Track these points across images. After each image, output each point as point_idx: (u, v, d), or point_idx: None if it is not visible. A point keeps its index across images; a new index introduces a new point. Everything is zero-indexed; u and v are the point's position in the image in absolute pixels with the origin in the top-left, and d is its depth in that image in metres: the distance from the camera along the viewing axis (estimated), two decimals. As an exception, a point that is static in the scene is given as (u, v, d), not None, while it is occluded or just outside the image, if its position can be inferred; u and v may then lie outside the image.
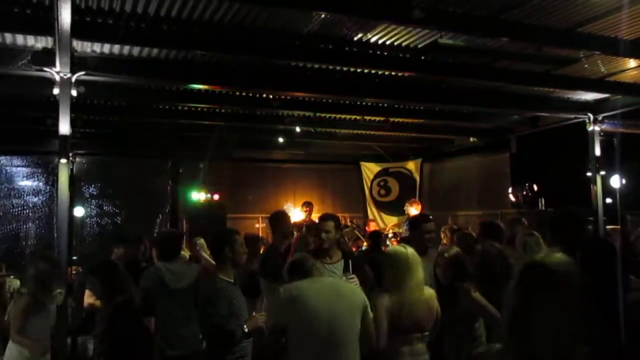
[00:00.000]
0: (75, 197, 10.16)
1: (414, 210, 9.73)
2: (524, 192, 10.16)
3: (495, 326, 3.83)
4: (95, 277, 4.30)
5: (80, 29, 5.20)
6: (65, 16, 4.54)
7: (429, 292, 3.86)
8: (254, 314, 4.13)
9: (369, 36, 6.06)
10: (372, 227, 11.13)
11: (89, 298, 5.70)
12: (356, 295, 3.61)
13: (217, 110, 9.22)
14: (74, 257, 8.95)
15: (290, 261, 3.99)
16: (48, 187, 11.36)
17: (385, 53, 6.50)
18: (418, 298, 3.70)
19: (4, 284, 6.60)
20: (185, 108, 9.11)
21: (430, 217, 5.41)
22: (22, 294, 4.54)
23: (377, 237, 8.01)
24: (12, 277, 7.87)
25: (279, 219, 5.69)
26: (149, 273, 5.07)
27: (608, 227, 8.74)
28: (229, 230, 4.83)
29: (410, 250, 3.85)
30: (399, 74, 7.37)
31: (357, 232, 10.46)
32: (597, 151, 8.97)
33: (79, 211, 11.05)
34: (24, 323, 4.36)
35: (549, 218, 3.94)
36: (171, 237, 5.51)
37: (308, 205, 11.37)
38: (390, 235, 10.34)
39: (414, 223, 5.25)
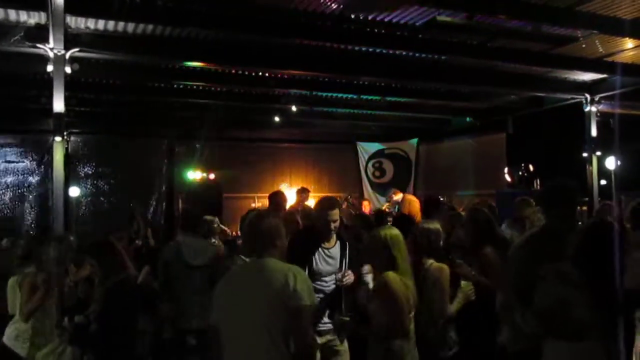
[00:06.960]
0: (70, 176, 10.12)
1: (396, 198, 9.60)
2: (520, 173, 10.17)
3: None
4: (92, 258, 4.30)
5: (74, 4, 5.14)
6: (58, -10, 4.48)
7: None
8: None
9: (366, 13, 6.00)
10: (366, 206, 11.09)
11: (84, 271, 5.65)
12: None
13: (213, 88, 9.15)
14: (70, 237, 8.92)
15: None
16: (42, 167, 11.30)
17: (383, 31, 6.44)
18: None
19: None
20: (181, 86, 9.03)
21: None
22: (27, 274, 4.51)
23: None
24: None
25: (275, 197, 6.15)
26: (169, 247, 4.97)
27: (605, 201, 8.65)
28: None
29: None
30: (396, 52, 7.31)
31: (353, 211, 10.42)
32: (594, 132, 8.98)
33: (74, 191, 11.00)
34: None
35: (540, 192, 3.87)
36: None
37: (304, 191, 10.80)
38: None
39: (434, 205, 5.52)
